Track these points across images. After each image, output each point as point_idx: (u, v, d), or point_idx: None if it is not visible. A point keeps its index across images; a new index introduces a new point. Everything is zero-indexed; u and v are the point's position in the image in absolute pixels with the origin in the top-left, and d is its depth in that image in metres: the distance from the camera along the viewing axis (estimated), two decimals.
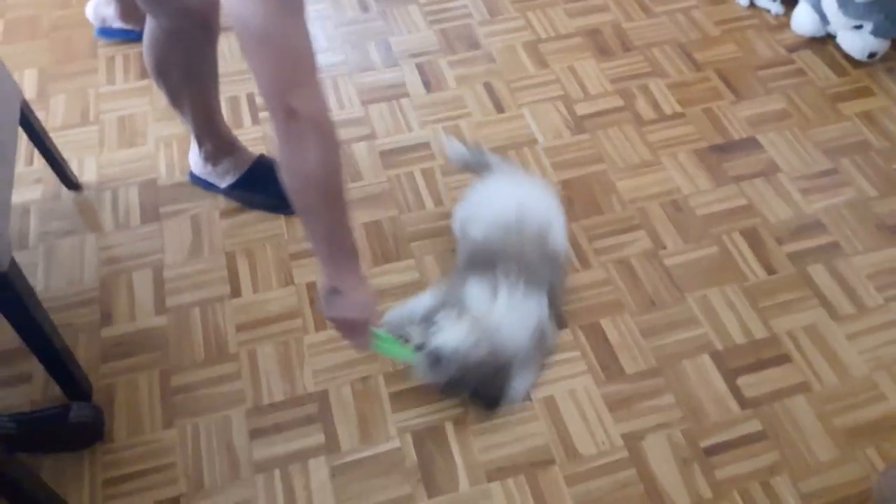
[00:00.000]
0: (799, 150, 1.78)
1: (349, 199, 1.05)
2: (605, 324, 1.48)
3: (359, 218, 1.64)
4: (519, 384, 1.34)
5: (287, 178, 1.03)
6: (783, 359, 1.42)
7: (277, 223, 1.64)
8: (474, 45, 2.03)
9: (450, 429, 1.34)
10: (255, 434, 1.33)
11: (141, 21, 1.75)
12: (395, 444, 1.32)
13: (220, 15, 1.40)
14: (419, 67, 1.97)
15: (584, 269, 1.56)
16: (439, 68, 1.97)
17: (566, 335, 1.46)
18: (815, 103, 1.88)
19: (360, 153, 1.77)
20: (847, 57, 1.98)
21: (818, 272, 1.55)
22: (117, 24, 2.01)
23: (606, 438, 1.33)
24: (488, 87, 1.92)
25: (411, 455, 1.31)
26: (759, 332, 1.46)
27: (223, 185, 1.66)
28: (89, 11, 2.03)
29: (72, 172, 1.69)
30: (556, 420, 1.35)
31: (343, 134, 1.80)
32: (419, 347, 1.27)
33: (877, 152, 1.78)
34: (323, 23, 2.11)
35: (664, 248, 1.60)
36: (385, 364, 1.42)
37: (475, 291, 1.33)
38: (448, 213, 1.65)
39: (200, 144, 1.61)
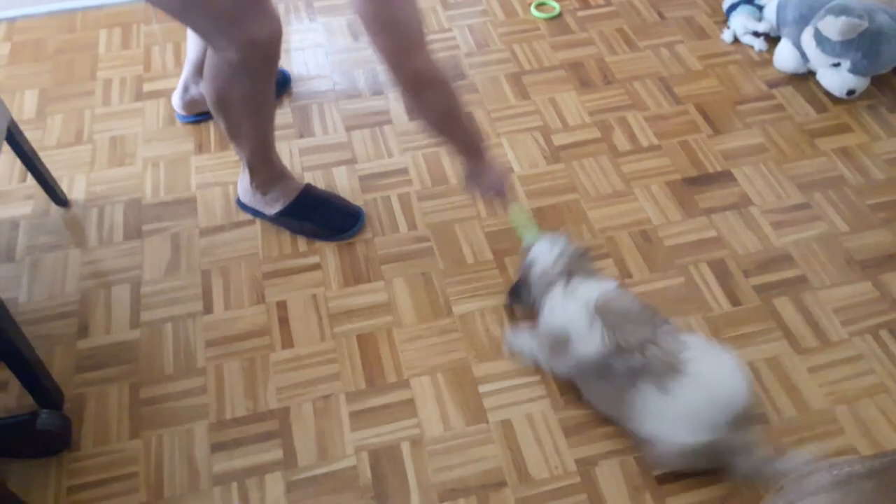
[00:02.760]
0: (773, 184, 1.80)
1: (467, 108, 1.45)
2: None
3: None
4: None
5: (426, 117, 1.39)
6: None
7: (253, 243, 1.69)
8: (459, 75, 2.09)
9: (406, 448, 1.36)
10: (216, 447, 1.36)
11: None
12: (352, 462, 1.34)
13: (281, 46, 1.43)
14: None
15: None
16: None
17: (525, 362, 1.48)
18: (792, 138, 1.91)
19: (339, 177, 1.82)
20: (828, 94, 2.01)
21: (784, 305, 1.57)
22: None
23: (560, 463, 1.34)
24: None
25: (366, 473, 1.33)
26: None
27: (271, 212, 1.69)
28: (175, 101, 1.94)
29: (61, 190, 1.76)
30: (511, 443, 1.37)
31: (324, 158, 1.86)
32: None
33: (851, 188, 1.79)
34: (315, 51, 2.17)
35: (630, 276, 1.62)
36: (347, 383, 1.45)
37: None
38: (422, 236, 1.69)
39: (253, 174, 1.64)
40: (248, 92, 1.45)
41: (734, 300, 1.58)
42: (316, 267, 1.64)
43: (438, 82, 1.33)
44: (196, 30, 1.42)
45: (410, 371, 1.47)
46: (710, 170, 1.84)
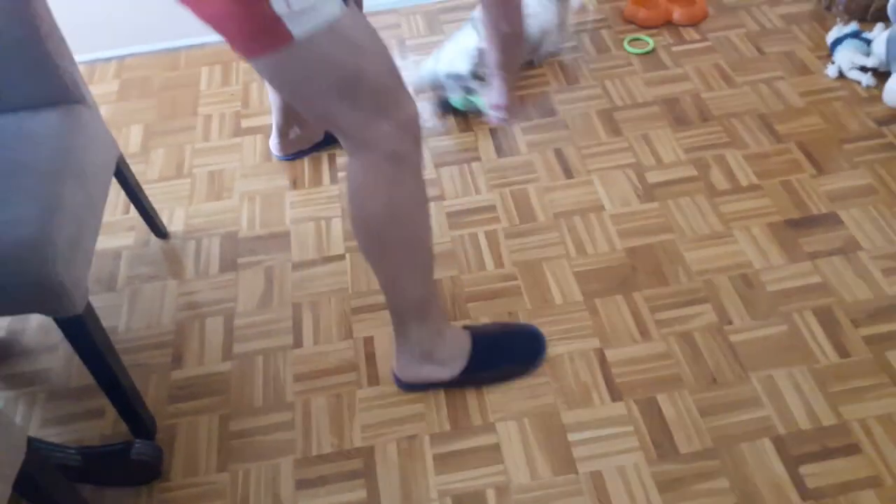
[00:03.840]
0: (884, 228, 1.70)
1: None
2: (662, 399, 1.44)
3: None
4: None
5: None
6: (852, 449, 1.34)
7: (343, 278, 1.70)
8: (549, 111, 2.07)
9: (491, 495, 1.33)
10: (301, 485, 1.36)
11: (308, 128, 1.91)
12: None
13: None
14: (492, 132, 2.02)
15: (645, 341, 1.53)
16: (512, 134, 2.01)
17: (619, 408, 1.43)
18: None
19: None
20: None
21: None
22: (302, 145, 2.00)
23: None
24: (558, 153, 1.94)
25: None
26: (827, 419, 1.38)
27: (451, 376, 1.44)
28: (272, 144, 1.99)
29: (161, 222, 1.82)
30: (601, 496, 1.31)
31: None
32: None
33: None
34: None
35: (730, 323, 1.55)
36: (431, 424, 1.43)
37: None
38: (508, 274, 1.67)
39: (418, 332, 1.38)
40: (416, 191, 1.21)
41: (842, 351, 1.48)
42: None
43: None
44: (345, 122, 1.12)
45: (496, 415, 1.43)
46: (815, 212, 1.75)
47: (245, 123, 2.13)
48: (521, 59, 1.62)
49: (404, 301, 1.35)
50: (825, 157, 1.87)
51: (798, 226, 1.72)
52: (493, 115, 1.56)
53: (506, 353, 1.49)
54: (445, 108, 2.10)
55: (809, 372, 1.45)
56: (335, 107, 1.09)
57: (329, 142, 2.00)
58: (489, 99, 1.54)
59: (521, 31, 1.35)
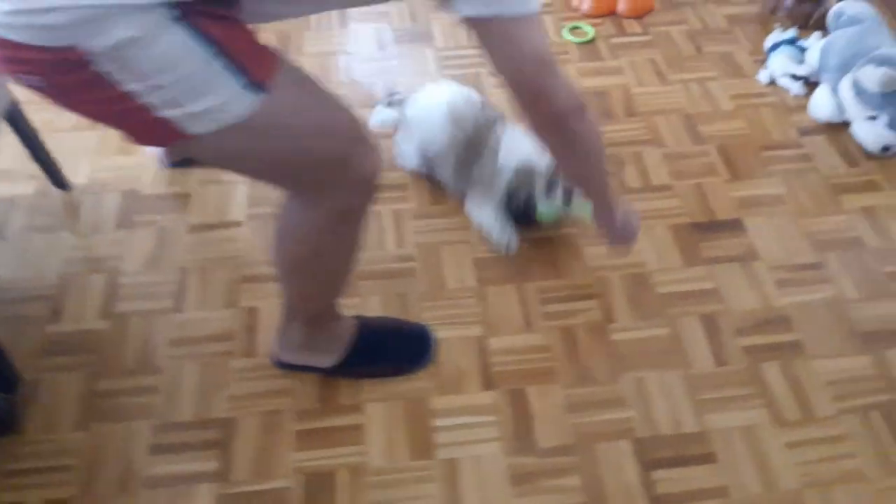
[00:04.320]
0: (785, 240, 1.69)
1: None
2: (532, 392, 1.43)
3: None
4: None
5: (577, 160, 1.19)
6: (708, 458, 1.34)
7: (238, 246, 1.67)
8: (479, 92, 2.03)
9: (344, 476, 1.32)
10: (156, 450, 1.35)
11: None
12: (286, 483, 1.31)
13: None
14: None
15: (528, 332, 1.52)
16: None
17: (489, 398, 1.42)
18: (815, 192, 1.79)
19: None
20: (861, 148, 1.88)
21: (772, 370, 1.46)
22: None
23: None
24: None
25: (300, 497, 1.29)
26: (689, 426, 1.38)
27: (327, 364, 1.42)
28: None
29: (63, 173, 1.78)
30: (452, 485, 1.31)
31: None
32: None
33: (869, 252, 1.67)
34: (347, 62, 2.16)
35: (614, 321, 1.54)
36: (300, 400, 1.42)
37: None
38: (407, 255, 1.65)
39: (309, 327, 1.36)
40: (350, 241, 1.20)
41: (719, 360, 1.48)
42: None
43: (593, 118, 1.15)
44: (293, 185, 1.10)
45: (366, 395, 1.42)
46: (721, 217, 1.74)
47: None
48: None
49: (303, 307, 1.34)
50: (742, 162, 1.86)
51: (702, 230, 1.71)
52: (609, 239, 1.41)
53: (389, 352, 1.46)
54: (521, 218, 1.66)
55: (682, 377, 1.45)
56: (272, 181, 1.10)
57: None
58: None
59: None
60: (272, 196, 1.24)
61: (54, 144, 1.75)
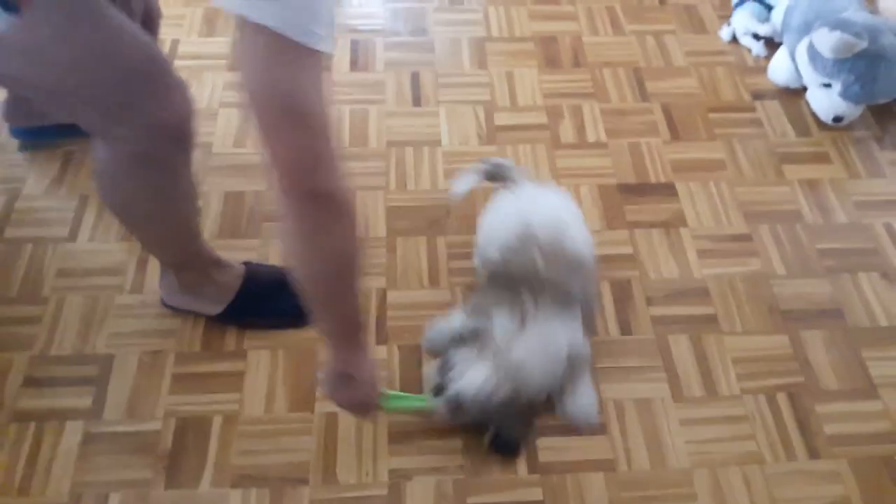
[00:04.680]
0: (717, 207, 1.61)
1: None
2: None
3: (222, 185, 1.58)
4: (579, 406, 1.26)
5: (306, 266, 0.91)
6: (597, 428, 1.29)
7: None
8: (420, 30, 1.93)
9: (217, 423, 1.28)
10: (28, 382, 1.31)
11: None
12: (157, 425, 1.27)
13: (196, 122, 1.10)
14: (353, 44, 1.89)
15: (431, 288, 1.46)
16: (373, 47, 1.88)
17: (380, 352, 1.37)
18: (758, 159, 1.70)
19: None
20: (815, 117, 1.78)
21: (679, 344, 1.41)
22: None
23: (372, 470, 1.24)
24: (414, 78, 1.82)
25: (167, 441, 1.25)
26: None
27: (212, 313, 1.37)
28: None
29: None
30: (328, 439, 1.27)
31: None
32: (438, 391, 1.18)
33: (805, 227, 1.59)
34: None
35: None
36: (182, 343, 1.36)
37: (497, 322, 1.20)
38: None
39: (179, 275, 1.33)
40: (161, 187, 1.13)
41: (625, 328, 1.42)
42: None
43: (347, 214, 0.88)
44: (79, 120, 1.05)
45: (252, 342, 1.37)
46: (653, 180, 1.66)
47: None
48: None
49: (159, 255, 1.34)
50: (686, 123, 1.77)
51: (630, 192, 1.63)
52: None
53: (280, 303, 1.32)
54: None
55: None
56: (64, 110, 1.05)
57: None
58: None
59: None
60: None
61: None
